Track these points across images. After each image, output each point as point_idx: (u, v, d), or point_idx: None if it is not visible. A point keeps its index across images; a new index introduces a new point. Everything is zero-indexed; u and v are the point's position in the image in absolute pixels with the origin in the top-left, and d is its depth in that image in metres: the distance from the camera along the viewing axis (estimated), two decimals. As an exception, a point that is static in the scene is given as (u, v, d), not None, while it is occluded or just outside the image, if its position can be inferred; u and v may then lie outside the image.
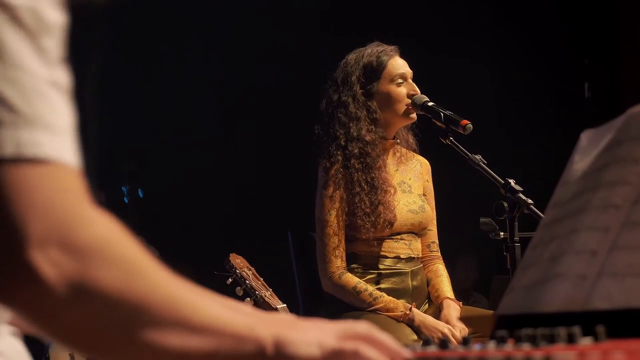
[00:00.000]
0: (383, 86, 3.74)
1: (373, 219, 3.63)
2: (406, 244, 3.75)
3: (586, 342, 1.12)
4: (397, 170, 3.85)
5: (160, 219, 6.30)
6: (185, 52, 6.43)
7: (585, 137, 1.66)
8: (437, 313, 3.69)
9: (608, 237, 1.41)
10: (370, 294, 3.62)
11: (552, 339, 1.11)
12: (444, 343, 1.21)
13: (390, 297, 3.64)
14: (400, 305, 3.62)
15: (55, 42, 0.98)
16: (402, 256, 3.74)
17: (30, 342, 1.35)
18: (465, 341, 1.22)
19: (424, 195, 3.90)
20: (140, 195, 6.57)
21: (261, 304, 3.06)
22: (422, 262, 3.84)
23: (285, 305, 3.11)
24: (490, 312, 3.67)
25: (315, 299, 3.84)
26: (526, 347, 1.11)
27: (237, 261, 3.19)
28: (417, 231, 3.81)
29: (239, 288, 3.10)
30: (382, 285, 3.69)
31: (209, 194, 6.29)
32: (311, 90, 3.94)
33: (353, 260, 3.72)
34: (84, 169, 1.00)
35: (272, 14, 6.39)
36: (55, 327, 0.95)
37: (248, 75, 6.37)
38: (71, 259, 0.92)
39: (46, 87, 0.96)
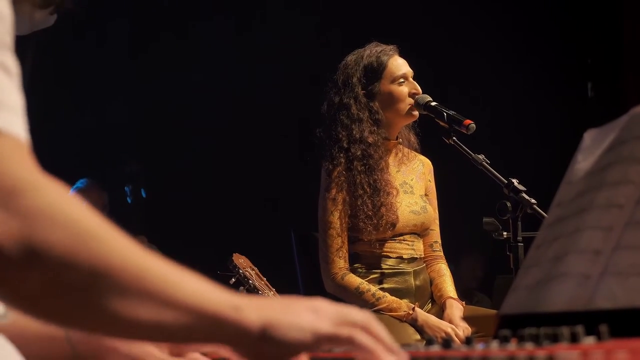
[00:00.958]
0: (385, 86, 3.74)
1: (375, 221, 3.63)
2: (408, 245, 3.75)
3: (589, 341, 1.12)
4: (399, 171, 3.84)
5: (163, 219, 6.30)
6: (190, 51, 6.43)
7: (588, 136, 1.66)
8: (440, 313, 3.69)
9: (611, 237, 1.41)
10: (373, 295, 3.62)
11: (555, 339, 1.11)
12: (447, 342, 1.21)
13: (393, 297, 3.64)
14: (403, 305, 3.62)
15: (3, 29, 0.98)
16: (404, 256, 3.74)
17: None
18: (468, 341, 1.22)
19: (426, 195, 3.90)
20: (143, 195, 6.57)
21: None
22: (424, 262, 3.84)
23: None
24: (494, 311, 3.67)
25: (319, 297, 3.84)
26: (529, 346, 1.11)
27: (241, 261, 3.19)
28: (419, 232, 3.81)
29: (242, 288, 3.10)
30: (385, 285, 3.69)
31: (212, 194, 6.29)
32: (316, 91, 3.93)
33: (355, 261, 3.72)
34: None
35: (275, 13, 6.39)
36: (11, 292, 0.94)
37: (252, 75, 6.37)
38: (16, 221, 0.91)
39: None
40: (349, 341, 1.08)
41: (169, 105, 6.39)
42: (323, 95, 3.82)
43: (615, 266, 1.37)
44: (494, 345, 1.19)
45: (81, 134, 6.01)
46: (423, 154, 3.99)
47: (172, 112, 6.40)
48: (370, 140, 3.69)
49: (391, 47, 3.81)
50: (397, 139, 3.85)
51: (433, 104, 3.65)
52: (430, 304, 3.81)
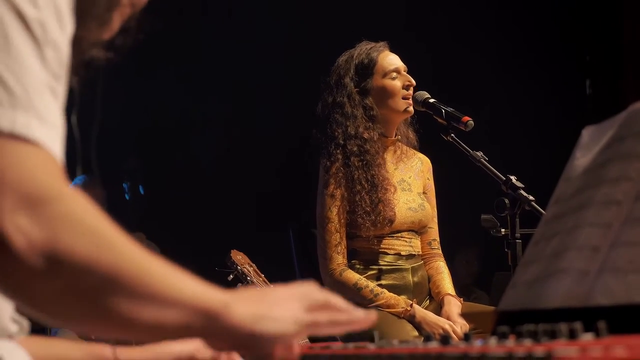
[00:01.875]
0: (377, 82, 3.75)
1: (373, 217, 3.64)
2: (406, 242, 3.76)
3: (588, 337, 1.12)
4: (397, 168, 3.85)
5: (162, 216, 6.30)
6: (189, 47, 6.42)
7: (586, 133, 1.66)
8: (438, 310, 3.69)
9: (610, 233, 1.41)
10: (372, 291, 3.62)
11: (553, 335, 1.11)
12: (445, 339, 1.21)
13: (391, 294, 3.64)
14: (401, 302, 3.62)
15: (57, 57, 1.06)
16: (402, 253, 3.74)
17: (35, 330, 1.35)
18: (466, 337, 1.22)
19: (425, 193, 3.90)
20: (141, 191, 6.57)
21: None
22: (422, 259, 3.85)
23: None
24: (492, 308, 3.67)
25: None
26: (527, 342, 1.11)
27: (239, 257, 3.19)
28: (417, 229, 3.81)
29: (240, 284, 3.11)
30: (383, 282, 3.69)
31: (210, 190, 6.29)
32: (315, 86, 3.93)
33: (353, 257, 3.73)
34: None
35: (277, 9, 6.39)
36: (29, 296, 0.98)
37: (251, 71, 6.36)
38: (40, 229, 0.95)
39: (43, 87, 1.03)
40: (330, 325, 1.18)
41: (167, 101, 6.39)
42: (318, 96, 3.84)
43: (613, 263, 1.37)
44: (492, 341, 1.19)
45: (79, 130, 6.00)
46: (421, 151, 3.99)
47: (170, 109, 6.39)
48: (365, 136, 3.70)
49: (382, 43, 3.83)
50: (395, 136, 3.85)
51: (431, 100, 3.66)
52: (428, 301, 3.81)
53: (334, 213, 3.67)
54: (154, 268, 1.05)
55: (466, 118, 3.47)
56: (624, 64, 6.83)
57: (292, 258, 4.09)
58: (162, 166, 6.41)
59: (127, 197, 6.50)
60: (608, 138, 1.56)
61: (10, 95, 1.00)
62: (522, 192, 3.24)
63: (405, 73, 3.76)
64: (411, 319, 3.60)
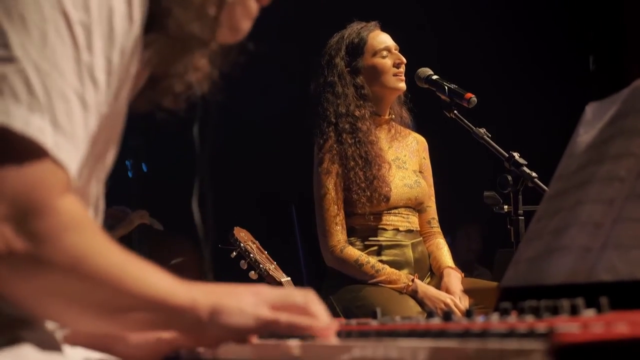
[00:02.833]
0: (367, 60, 3.77)
1: (369, 193, 3.65)
2: (404, 217, 3.76)
3: (590, 314, 1.12)
4: (391, 147, 3.85)
5: (165, 193, 6.30)
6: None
7: (590, 109, 1.65)
8: (440, 284, 3.69)
9: (612, 210, 1.41)
10: (373, 266, 3.63)
11: (555, 311, 1.11)
12: (447, 315, 1.22)
13: (393, 269, 3.65)
14: (402, 277, 3.63)
15: (97, 64, 1.06)
16: (400, 229, 3.75)
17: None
18: (468, 313, 1.22)
19: (420, 172, 3.90)
20: (144, 169, 6.56)
21: (265, 277, 3.07)
22: (422, 237, 3.86)
23: (289, 278, 3.11)
24: (494, 284, 3.67)
25: (319, 271, 3.85)
26: (529, 319, 1.11)
27: (242, 235, 3.19)
28: (414, 206, 3.81)
29: (243, 261, 3.11)
30: (383, 258, 3.70)
31: (213, 168, 6.29)
32: (315, 65, 3.93)
33: (352, 234, 3.73)
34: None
35: None
36: (8, 292, 1.04)
37: (254, 56, 6.34)
38: (22, 241, 1.01)
39: (71, 94, 1.03)
40: (289, 326, 1.21)
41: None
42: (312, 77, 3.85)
43: (616, 239, 1.37)
44: (495, 317, 1.19)
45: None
46: (422, 129, 3.98)
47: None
48: (357, 113, 3.72)
49: (372, 23, 3.84)
50: (389, 115, 3.85)
51: (434, 77, 3.65)
52: (429, 277, 3.82)
53: (331, 190, 3.69)
54: (130, 270, 1.10)
55: (469, 95, 3.47)
56: (627, 40, 6.81)
57: (295, 235, 4.10)
58: (165, 143, 6.41)
59: (130, 174, 6.50)
60: (611, 114, 1.56)
61: (31, 94, 1.00)
62: (525, 168, 3.24)
63: (396, 51, 3.77)
64: (413, 294, 3.60)
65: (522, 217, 3.21)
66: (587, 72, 6.95)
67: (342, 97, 3.74)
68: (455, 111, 3.51)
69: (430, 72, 3.69)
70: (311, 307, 1.25)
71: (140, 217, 5.67)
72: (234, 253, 3.13)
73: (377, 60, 3.75)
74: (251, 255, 3.11)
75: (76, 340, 1.42)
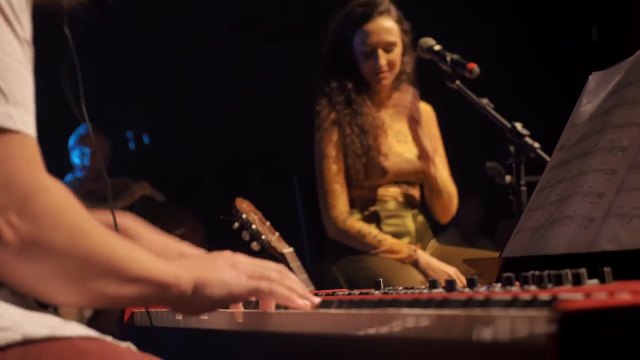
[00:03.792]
0: (356, 47, 3.75)
1: (365, 160, 3.65)
2: (403, 189, 3.76)
3: (592, 283, 1.12)
4: (395, 120, 3.84)
5: (167, 165, 6.31)
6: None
7: (593, 79, 1.65)
8: (441, 258, 3.69)
9: (615, 179, 1.41)
10: (375, 237, 3.63)
11: (558, 281, 1.11)
12: (450, 285, 1.22)
13: (395, 240, 3.65)
14: (404, 248, 3.63)
15: (25, 23, 1.10)
16: (400, 199, 3.75)
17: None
18: (471, 283, 1.22)
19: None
20: (146, 141, 6.56)
21: (267, 248, 3.07)
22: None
23: (292, 249, 3.11)
24: (497, 254, 3.67)
25: (321, 242, 3.85)
26: (532, 288, 1.11)
27: (243, 206, 3.19)
28: (414, 180, 3.81)
29: (245, 232, 3.11)
30: (384, 229, 3.70)
31: (215, 139, 6.28)
32: (320, 38, 3.92)
33: (351, 206, 3.73)
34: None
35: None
36: (9, 276, 1.08)
37: (255, 21, 6.33)
38: (27, 224, 1.05)
39: (18, 64, 1.08)
40: (269, 293, 1.30)
41: (171, 49, 6.36)
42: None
43: (618, 208, 1.37)
44: (497, 287, 1.19)
45: (83, 78, 5.97)
46: (424, 99, 3.97)
47: (173, 56, 6.37)
48: (349, 86, 3.72)
49: (380, 6, 3.77)
50: (391, 89, 3.84)
51: (436, 48, 3.63)
52: (431, 249, 3.82)
53: (331, 162, 3.69)
54: (119, 250, 1.16)
55: (471, 65, 3.45)
56: (630, 10, 6.78)
57: (297, 205, 4.10)
58: (166, 115, 6.41)
59: (131, 146, 6.50)
60: (614, 84, 1.56)
61: None
62: (528, 139, 3.23)
63: (382, 53, 3.72)
64: (415, 265, 3.61)
65: (525, 188, 3.20)
66: (590, 41, 6.93)
67: (336, 71, 3.75)
68: (458, 82, 3.49)
69: (433, 42, 3.67)
70: (287, 282, 1.33)
71: (142, 189, 5.68)
72: (236, 224, 3.12)
73: (361, 56, 3.74)
74: (253, 226, 3.11)
75: None
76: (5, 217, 1.04)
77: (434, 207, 3.84)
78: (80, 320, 4.80)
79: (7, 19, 1.07)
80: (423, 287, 1.44)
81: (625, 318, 0.81)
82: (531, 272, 1.14)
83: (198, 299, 1.25)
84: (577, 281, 1.10)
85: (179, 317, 1.50)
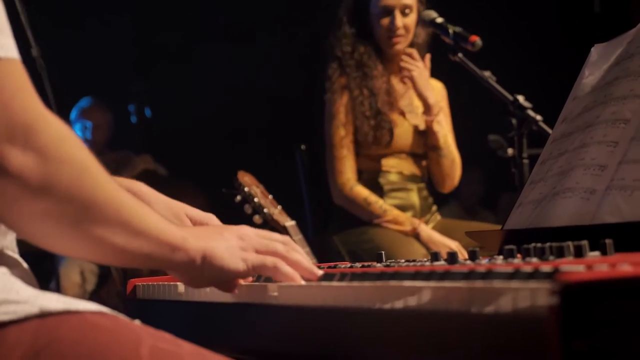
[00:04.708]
0: (372, 10, 3.74)
1: (373, 123, 3.66)
2: (409, 162, 3.76)
3: (594, 255, 1.12)
4: (406, 92, 3.83)
5: (169, 138, 6.30)
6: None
7: (595, 51, 1.64)
8: (444, 232, 3.69)
9: (617, 151, 1.41)
10: (381, 207, 3.65)
11: (560, 253, 1.11)
12: (452, 257, 1.22)
13: (400, 212, 3.67)
14: (408, 220, 3.64)
15: None
16: (405, 172, 3.75)
17: (41, 261, 1.38)
18: (473, 255, 1.22)
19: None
20: (148, 114, 6.56)
21: (269, 222, 3.08)
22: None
23: (294, 222, 3.12)
24: (498, 227, 3.67)
25: (324, 215, 3.86)
26: (534, 260, 1.11)
27: (246, 179, 3.19)
28: (421, 153, 3.81)
29: (247, 205, 3.11)
30: (388, 201, 3.71)
31: (217, 112, 6.27)
32: (323, 7, 3.92)
33: (358, 177, 3.74)
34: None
35: None
36: (15, 217, 1.04)
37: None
38: (34, 156, 1.00)
39: None
40: (274, 269, 1.28)
41: (174, 23, 6.34)
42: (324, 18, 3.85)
43: (620, 181, 1.37)
44: (499, 259, 1.19)
45: (85, 51, 5.97)
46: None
47: (176, 28, 6.35)
48: (361, 49, 3.73)
49: None
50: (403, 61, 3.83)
51: (438, 20, 3.62)
52: (433, 223, 3.82)
53: (340, 125, 3.70)
54: (126, 200, 1.11)
55: (474, 37, 3.44)
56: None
57: (299, 180, 4.10)
58: (169, 89, 6.39)
59: (133, 120, 6.49)
60: (617, 56, 1.55)
61: None
62: (530, 111, 3.22)
63: (398, 13, 3.71)
64: (417, 238, 3.62)
65: (527, 161, 3.20)
66: (592, 13, 6.90)
67: (348, 37, 3.76)
68: (460, 54, 3.48)
69: (435, 14, 3.65)
70: (293, 255, 1.31)
71: (143, 162, 5.68)
72: (238, 197, 3.13)
73: (375, 19, 3.74)
74: (255, 199, 3.11)
75: None
76: (12, 148, 0.98)
77: (435, 173, 3.84)
78: (82, 293, 4.82)
79: None
80: (425, 259, 1.44)
81: (626, 290, 0.81)
82: (533, 245, 1.14)
83: (207, 269, 1.22)
84: (578, 253, 1.10)
85: (182, 289, 1.50)
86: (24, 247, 1.21)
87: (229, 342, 1.38)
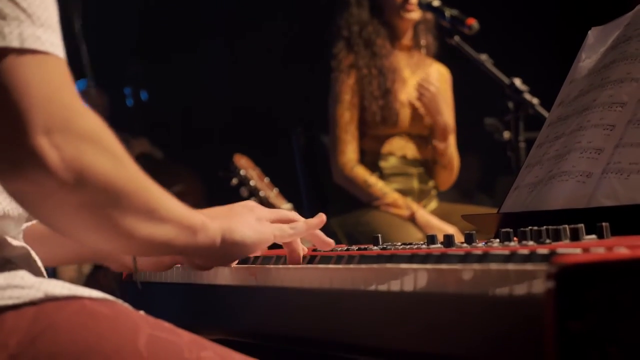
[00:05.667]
0: None
1: (382, 103, 3.65)
2: (413, 145, 3.76)
3: (590, 238, 1.13)
4: (414, 73, 3.83)
5: (165, 122, 6.29)
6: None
7: (592, 34, 1.64)
8: (442, 216, 3.70)
9: (614, 135, 1.41)
10: (380, 189, 3.66)
11: (556, 236, 1.11)
12: (448, 240, 1.22)
13: (399, 194, 3.67)
14: (406, 204, 3.65)
15: None
16: (408, 156, 3.75)
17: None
18: (469, 238, 1.22)
19: None
20: (144, 97, 6.54)
21: (266, 204, 3.08)
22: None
23: (290, 204, 3.12)
24: (495, 210, 3.68)
25: (320, 197, 3.86)
26: (530, 243, 1.11)
27: (242, 162, 3.19)
28: (427, 135, 3.80)
29: (243, 188, 3.12)
30: (388, 185, 3.71)
31: (214, 95, 6.26)
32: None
33: (361, 158, 3.74)
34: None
35: None
36: (49, 210, 1.04)
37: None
38: (71, 145, 1.00)
39: None
40: (293, 234, 1.33)
41: (173, 5, 6.32)
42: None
43: (617, 164, 1.37)
44: (496, 242, 1.20)
45: (82, 34, 5.95)
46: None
47: (172, 11, 6.33)
48: (370, 28, 3.72)
49: None
50: (411, 41, 3.83)
51: (435, 3, 3.61)
52: (431, 207, 3.83)
53: (345, 106, 3.70)
54: (152, 189, 1.12)
55: (470, 21, 3.44)
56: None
57: (295, 163, 4.10)
58: (165, 72, 6.38)
59: (129, 103, 6.48)
60: (614, 39, 1.55)
61: (15, 6, 1.00)
62: (526, 95, 3.22)
63: None
64: (414, 222, 3.62)
65: (523, 144, 3.21)
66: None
67: (355, 16, 3.75)
68: (457, 37, 3.48)
69: (432, -3, 3.65)
70: (305, 223, 1.36)
71: (140, 145, 5.68)
72: (235, 180, 3.13)
73: None
74: (251, 182, 3.11)
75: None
76: (49, 139, 0.99)
77: (436, 177, 3.86)
78: (79, 276, 4.82)
79: None
80: (422, 242, 1.44)
81: (622, 272, 0.81)
82: (529, 228, 1.14)
83: (228, 246, 1.24)
84: (575, 236, 1.10)
85: (178, 271, 1.50)
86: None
87: (226, 324, 1.38)
